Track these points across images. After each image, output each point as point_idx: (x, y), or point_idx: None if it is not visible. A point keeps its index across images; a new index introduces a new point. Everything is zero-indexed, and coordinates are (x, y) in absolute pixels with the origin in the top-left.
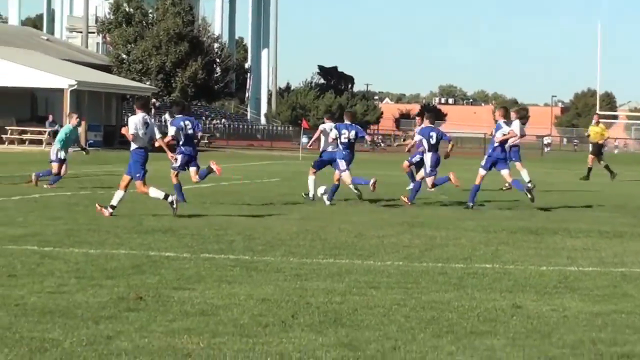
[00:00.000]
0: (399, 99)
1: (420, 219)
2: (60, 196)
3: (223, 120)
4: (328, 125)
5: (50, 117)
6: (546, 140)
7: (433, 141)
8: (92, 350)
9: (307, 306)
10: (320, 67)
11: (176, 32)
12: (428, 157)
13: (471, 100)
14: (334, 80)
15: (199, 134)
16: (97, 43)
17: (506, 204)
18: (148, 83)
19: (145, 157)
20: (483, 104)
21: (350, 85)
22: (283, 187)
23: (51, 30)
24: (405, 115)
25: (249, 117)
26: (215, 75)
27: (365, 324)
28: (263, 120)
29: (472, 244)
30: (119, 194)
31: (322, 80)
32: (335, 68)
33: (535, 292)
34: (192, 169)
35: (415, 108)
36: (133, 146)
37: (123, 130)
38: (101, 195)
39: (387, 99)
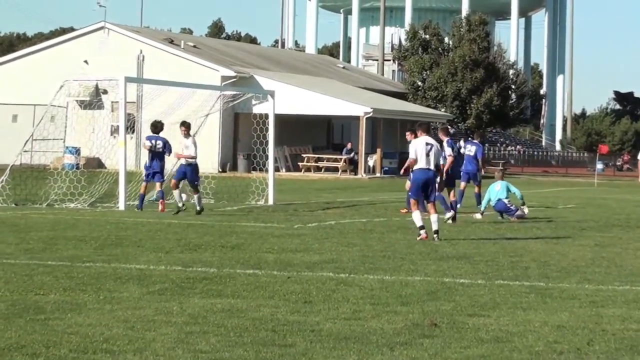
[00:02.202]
0: None
1: None
2: (356, 223)
3: (518, 146)
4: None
5: (349, 145)
6: None
7: None
8: None
9: (602, 333)
10: (616, 93)
11: (472, 58)
12: None
13: None
14: (630, 105)
15: (167, 154)
16: (393, 70)
17: None
18: (443, 110)
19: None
20: None
21: None
22: (578, 214)
23: (347, 58)
24: None
25: (543, 144)
26: (511, 102)
27: None
28: (558, 146)
29: None
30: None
31: (617, 106)
32: (631, 93)
33: None
34: (157, 183)
35: None
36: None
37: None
38: (396, 221)
39: None
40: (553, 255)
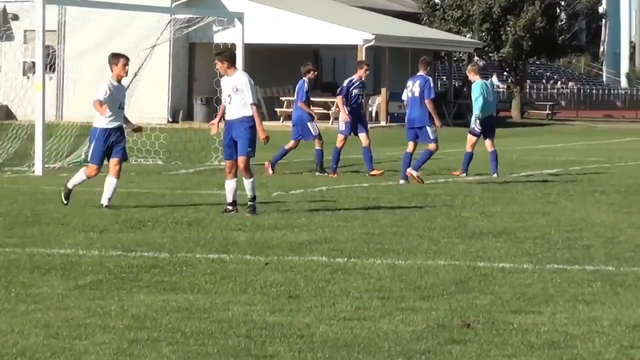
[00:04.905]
0: None
1: None
2: (355, 188)
3: (570, 83)
4: None
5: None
6: None
7: None
8: None
9: None
10: None
11: None
12: None
13: None
14: None
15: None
16: None
17: None
18: (469, 35)
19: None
20: None
21: None
22: None
23: None
24: None
25: (604, 79)
26: (559, 24)
27: None
28: (624, 82)
29: None
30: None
31: None
32: None
33: None
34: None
35: None
36: None
37: None
38: (409, 187)
39: None
40: (624, 230)
